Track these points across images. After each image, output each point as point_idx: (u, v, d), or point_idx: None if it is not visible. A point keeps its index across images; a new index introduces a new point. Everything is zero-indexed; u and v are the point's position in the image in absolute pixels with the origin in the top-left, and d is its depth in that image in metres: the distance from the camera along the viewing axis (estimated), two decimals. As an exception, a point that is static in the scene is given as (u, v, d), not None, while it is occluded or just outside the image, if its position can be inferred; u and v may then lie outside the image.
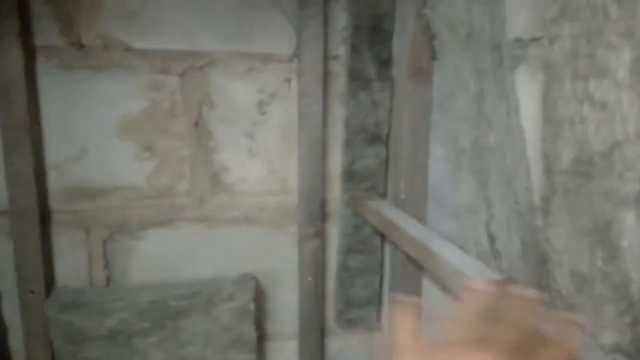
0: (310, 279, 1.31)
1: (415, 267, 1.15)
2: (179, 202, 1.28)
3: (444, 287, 1.03)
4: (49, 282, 1.22)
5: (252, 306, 1.25)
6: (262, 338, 1.35)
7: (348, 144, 1.28)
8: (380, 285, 1.36)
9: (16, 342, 1.25)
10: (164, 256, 1.29)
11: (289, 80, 1.28)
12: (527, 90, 0.79)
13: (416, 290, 1.16)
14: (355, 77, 1.24)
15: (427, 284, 1.16)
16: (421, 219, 1.11)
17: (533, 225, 0.74)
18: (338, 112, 1.30)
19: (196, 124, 1.26)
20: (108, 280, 1.27)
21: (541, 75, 0.70)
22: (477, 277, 0.74)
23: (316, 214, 1.30)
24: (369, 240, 1.31)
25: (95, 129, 1.21)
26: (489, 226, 0.85)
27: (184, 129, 1.26)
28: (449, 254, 0.82)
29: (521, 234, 0.77)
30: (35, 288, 1.19)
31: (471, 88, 0.87)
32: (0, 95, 1.10)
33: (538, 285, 0.73)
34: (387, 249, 1.34)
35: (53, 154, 1.21)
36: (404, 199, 1.10)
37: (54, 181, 1.21)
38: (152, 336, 1.22)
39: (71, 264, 1.25)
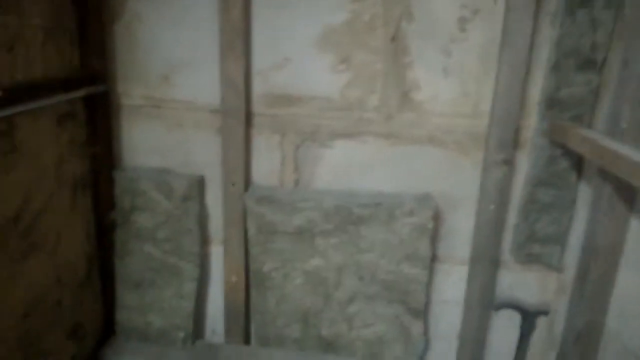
0: (492, 207, 1.27)
1: (625, 205, 1.05)
2: (367, 116, 1.30)
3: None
4: (247, 177, 1.34)
5: (431, 224, 1.26)
6: (431, 258, 1.35)
7: (555, 68, 1.17)
8: (569, 223, 1.27)
9: (215, 228, 1.42)
10: (348, 166, 1.34)
11: (495, -5, 1.19)
12: None
13: (620, 231, 1.07)
14: (575, -8, 1.12)
15: (637, 225, 1.05)
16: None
17: None
18: (546, 32, 1.20)
19: (393, 38, 1.25)
20: (296, 183, 1.36)
21: None
22: None
23: (508, 141, 1.23)
24: (564, 174, 1.23)
25: (297, 39, 1.27)
26: None
27: (381, 43, 1.25)
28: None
29: None
30: (236, 180, 1.32)
31: None
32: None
33: None
34: (583, 185, 1.24)
35: (259, 60, 1.29)
36: (626, 128, 0.99)
37: (257, 86, 1.30)
38: (333, 238, 1.30)
39: (266, 164, 1.36)
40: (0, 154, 0.95)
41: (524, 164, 1.28)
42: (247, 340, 1.48)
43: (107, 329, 1.43)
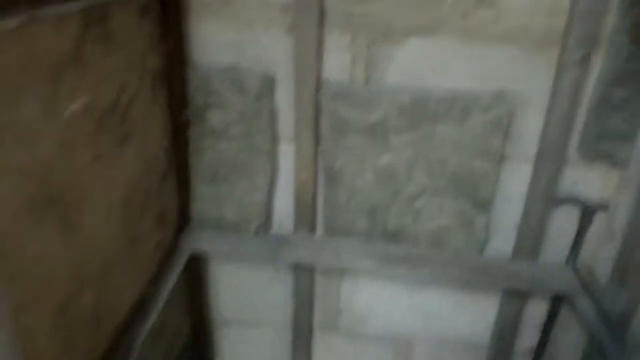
0: (565, 105, 1.28)
1: None
2: (442, 13, 1.27)
3: None
4: (319, 76, 1.35)
5: (505, 121, 1.28)
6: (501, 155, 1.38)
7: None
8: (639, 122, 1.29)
9: (284, 126, 1.45)
10: (420, 65, 1.33)
11: None
12: None
13: None
14: None
15: None
16: None
17: None
18: None
19: None
20: (367, 82, 1.37)
21: None
22: None
23: (587, 39, 1.21)
24: (642, 72, 1.22)
25: None
26: None
27: None
28: None
29: None
30: (308, 78, 1.33)
31: None
32: None
33: None
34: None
35: (333, -50, 1.25)
36: None
37: (331, -20, 1.27)
38: (406, 135, 1.33)
39: (337, 62, 1.35)
40: (98, 40, 0.97)
41: (599, 63, 1.26)
42: (313, 232, 1.56)
43: (183, 220, 1.52)
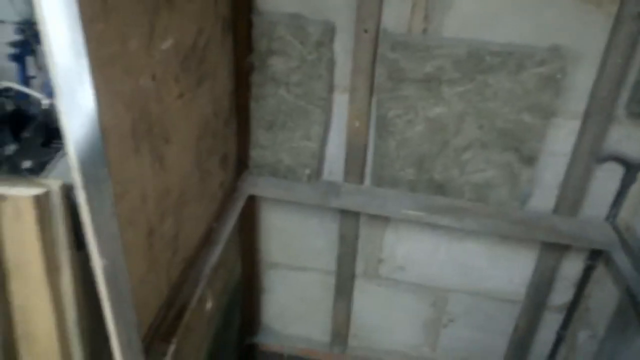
0: (619, 61, 1.31)
1: None
2: (505, -37, 1.30)
3: None
4: (378, 25, 1.40)
5: (559, 75, 1.31)
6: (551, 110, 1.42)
7: None
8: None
9: (341, 76, 1.51)
10: (478, 17, 1.36)
11: None
12: None
13: None
14: None
15: None
16: None
17: None
18: None
19: None
20: (424, 32, 1.41)
21: None
22: None
23: (650, -9, 1.23)
24: (703, 26, 1.24)
25: None
26: None
27: None
28: None
29: None
30: (369, 27, 1.38)
31: None
32: None
33: None
34: None
35: None
36: None
37: None
38: (459, 86, 1.38)
39: (395, 12, 1.40)
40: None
41: (660, 17, 1.28)
42: (362, 181, 1.64)
43: (241, 165, 1.61)
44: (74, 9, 0.64)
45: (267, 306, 2.07)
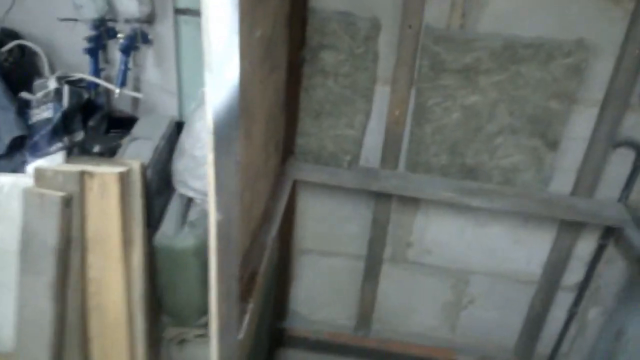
0: (636, 51, 1.47)
1: None
2: (536, -34, 1.46)
3: None
4: (420, 21, 1.54)
5: (584, 65, 1.47)
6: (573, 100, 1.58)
7: None
8: None
9: (384, 69, 1.64)
10: (509, 13, 1.51)
11: None
12: None
13: None
14: None
15: None
16: None
17: None
18: None
19: None
20: (461, 27, 1.55)
21: None
22: None
23: (662, -8, 1.40)
24: None
25: None
26: None
27: None
28: None
29: None
30: (413, 23, 1.52)
31: None
32: None
33: None
34: None
35: None
36: None
37: None
38: (494, 76, 1.53)
39: (436, 9, 1.54)
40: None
41: (671, 15, 1.45)
42: (396, 168, 1.77)
43: (288, 151, 1.72)
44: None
45: (297, 292, 2.17)
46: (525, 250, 1.92)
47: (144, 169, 1.34)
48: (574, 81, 1.50)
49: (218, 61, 0.77)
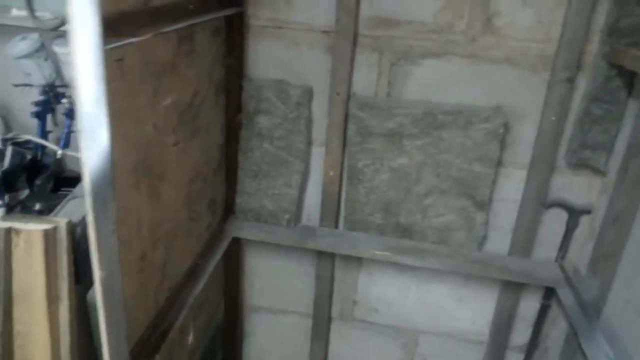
0: (553, 118, 1.54)
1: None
2: (454, 38, 1.56)
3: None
4: (349, 89, 1.63)
5: (502, 130, 1.54)
6: (498, 161, 1.63)
7: (617, 1, 1.41)
8: (617, 133, 1.54)
9: (318, 132, 1.72)
10: (433, 82, 1.61)
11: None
12: None
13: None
14: None
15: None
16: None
17: None
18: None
19: (481, -28, 1.49)
20: (388, 95, 1.65)
21: None
22: None
23: (572, 63, 1.48)
24: (617, 91, 1.48)
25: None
26: None
27: (470, -26, 1.49)
28: None
29: None
30: (341, 91, 1.61)
31: None
32: None
33: None
34: (632, 102, 1.50)
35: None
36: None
37: (364, 10, 1.57)
38: (418, 140, 1.60)
39: (364, 78, 1.64)
40: (186, 53, 1.26)
41: (583, 83, 1.53)
42: (336, 226, 1.82)
43: (227, 210, 1.78)
44: (100, 71, 0.83)
45: (249, 350, 2.17)
46: (469, 309, 1.92)
47: (71, 226, 1.40)
48: (494, 145, 1.56)
49: (89, 127, 0.84)
